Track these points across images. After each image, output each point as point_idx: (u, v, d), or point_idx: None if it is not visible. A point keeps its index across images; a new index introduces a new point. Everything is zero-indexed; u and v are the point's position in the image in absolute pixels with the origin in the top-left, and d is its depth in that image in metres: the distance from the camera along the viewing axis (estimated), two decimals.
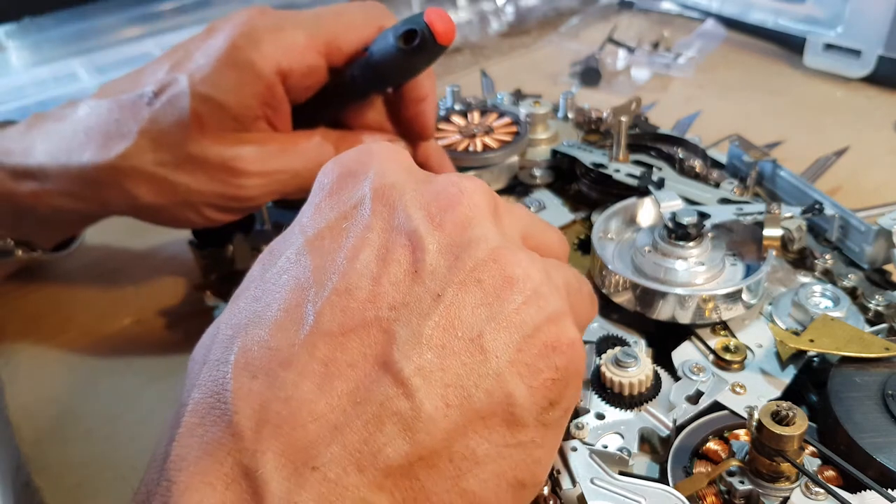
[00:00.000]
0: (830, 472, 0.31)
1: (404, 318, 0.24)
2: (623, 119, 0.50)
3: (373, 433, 0.23)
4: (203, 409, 0.23)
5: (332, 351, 0.24)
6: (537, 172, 0.53)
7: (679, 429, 0.34)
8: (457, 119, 0.56)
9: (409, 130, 0.47)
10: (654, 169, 0.49)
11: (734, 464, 0.31)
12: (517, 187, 0.53)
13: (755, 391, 0.35)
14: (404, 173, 0.28)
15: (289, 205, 0.53)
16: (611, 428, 0.34)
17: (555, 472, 0.32)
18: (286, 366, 0.23)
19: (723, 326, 0.39)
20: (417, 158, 0.47)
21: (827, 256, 0.43)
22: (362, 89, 0.45)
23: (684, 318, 0.38)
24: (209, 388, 0.24)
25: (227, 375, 0.24)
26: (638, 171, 0.49)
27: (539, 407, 0.25)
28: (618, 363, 0.36)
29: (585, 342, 0.38)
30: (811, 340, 0.36)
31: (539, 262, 0.27)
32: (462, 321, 0.25)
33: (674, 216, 0.40)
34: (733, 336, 0.39)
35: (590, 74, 0.79)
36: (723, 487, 0.31)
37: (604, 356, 0.36)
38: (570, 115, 0.60)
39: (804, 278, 0.43)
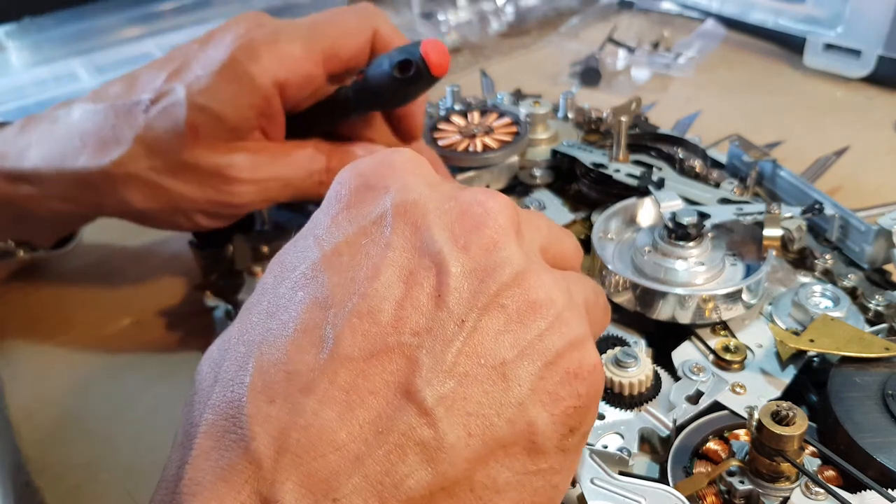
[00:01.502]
0: (830, 472, 0.31)
1: (427, 344, 0.24)
2: (623, 119, 0.49)
3: (395, 463, 0.22)
4: (217, 431, 0.23)
5: (353, 377, 0.23)
6: (537, 172, 0.53)
7: (679, 429, 0.34)
8: (457, 119, 0.55)
9: (397, 132, 0.47)
10: (654, 169, 0.49)
11: (734, 464, 0.31)
12: (517, 187, 0.53)
13: (755, 391, 0.35)
14: (427, 189, 0.27)
15: (289, 205, 0.53)
16: (611, 428, 0.34)
17: None
18: (306, 392, 0.23)
19: (723, 326, 0.39)
20: None
21: (827, 256, 0.43)
22: (356, 109, 0.45)
23: (684, 318, 0.38)
24: (223, 410, 0.23)
25: (242, 398, 0.23)
26: (638, 171, 0.49)
27: (559, 434, 0.25)
28: (618, 363, 0.36)
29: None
30: (811, 340, 0.36)
31: (561, 281, 0.27)
32: (485, 348, 0.24)
33: (674, 216, 0.40)
34: (733, 336, 0.39)
35: (590, 74, 0.79)
36: (723, 487, 0.31)
37: (604, 356, 0.36)
38: (570, 115, 0.60)
39: (804, 278, 0.43)
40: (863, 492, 0.29)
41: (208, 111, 0.41)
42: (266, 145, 0.44)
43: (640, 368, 0.35)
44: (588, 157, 0.51)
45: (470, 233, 0.26)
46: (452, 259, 0.25)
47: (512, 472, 0.24)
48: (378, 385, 0.23)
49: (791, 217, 0.44)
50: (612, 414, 0.35)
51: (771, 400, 0.34)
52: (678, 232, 0.40)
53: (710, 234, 0.41)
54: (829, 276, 0.43)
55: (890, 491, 0.29)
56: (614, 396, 0.35)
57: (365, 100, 0.43)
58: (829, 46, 0.75)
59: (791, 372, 0.36)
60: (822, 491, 0.29)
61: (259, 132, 0.43)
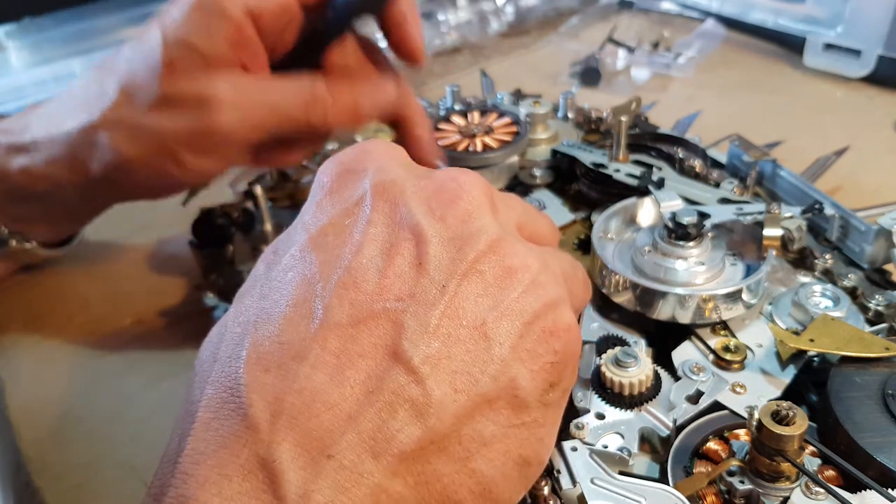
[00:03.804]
0: (830, 472, 0.31)
1: (411, 309, 0.25)
2: (623, 119, 0.49)
3: (386, 420, 0.23)
4: (217, 403, 0.24)
5: (342, 342, 0.24)
6: (537, 172, 0.53)
7: (679, 429, 0.34)
8: (457, 119, 0.55)
9: (400, 56, 0.47)
10: (654, 169, 0.49)
11: (734, 464, 0.31)
12: (517, 187, 0.53)
13: (755, 391, 0.35)
14: (403, 170, 0.29)
15: (290, 205, 0.53)
16: (611, 428, 0.34)
17: (555, 472, 0.32)
18: (299, 359, 0.24)
19: (723, 326, 0.39)
20: (407, 116, 0.47)
21: (827, 256, 0.43)
22: (339, 24, 0.44)
23: (684, 318, 0.38)
24: (222, 384, 0.24)
25: (239, 370, 0.24)
26: (638, 171, 0.49)
27: (540, 389, 0.26)
28: (618, 363, 0.35)
29: (585, 342, 0.39)
30: (811, 340, 0.36)
31: (536, 251, 0.28)
32: (466, 311, 0.25)
33: (674, 216, 0.40)
34: (733, 336, 0.39)
35: (590, 74, 0.79)
36: (723, 487, 0.31)
37: (604, 356, 0.36)
38: (570, 115, 0.60)
39: (804, 278, 0.43)
40: (863, 492, 0.29)
41: (182, 43, 0.41)
42: (248, 74, 0.44)
43: (640, 368, 0.35)
44: (588, 157, 0.51)
45: (446, 205, 0.27)
46: (430, 229, 0.26)
47: (497, 426, 0.25)
48: (367, 348, 0.24)
49: (791, 217, 0.44)
50: (612, 414, 0.35)
51: (771, 400, 0.34)
52: (678, 232, 0.40)
53: (710, 234, 0.41)
54: (829, 275, 0.43)
55: (890, 491, 0.29)
56: (614, 396, 0.35)
57: (344, 8, 0.43)
58: (829, 46, 0.75)
59: (791, 372, 0.36)
60: (822, 491, 0.29)
61: (239, 68, 0.43)
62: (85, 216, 0.52)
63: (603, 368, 0.35)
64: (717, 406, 0.35)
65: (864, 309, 0.40)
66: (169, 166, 0.44)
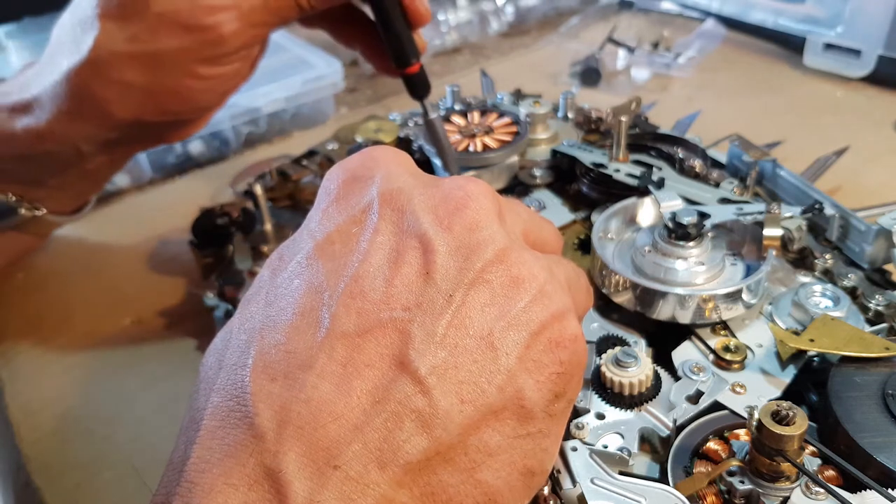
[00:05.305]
0: (830, 472, 0.31)
1: (418, 318, 0.25)
2: (623, 119, 0.49)
3: (392, 431, 0.23)
4: (223, 412, 0.24)
5: (349, 352, 0.24)
6: (537, 172, 0.53)
7: (679, 429, 0.34)
8: (457, 119, 0.55)
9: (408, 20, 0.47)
10: (654, 169, 0.49)
11: (734, 463, 0.31)
12: (517, 187, 0.53)
13: (755, 391, 0.35)
14: (410, 177, 0.29)
15: (290, 206, 0.53)
16: (611, 428, 0.34)
17: (555, 472, 0.32)
18: (305, 368, 0.24)
19: (723, 326, 0.39)
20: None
21: (827, 256, 0.43)
22: None
23: (684, 317, 0.38)
24: (228, 392, 0.24)
25: (245, 379, 0.24)
26: (638, 171, 0.49)
27: (546, 400, 0.26)
28: (618, 363, 0.36)
29: (586, 342, 0.39)
30: (811, 340, 0.36)
31: (543, 260, 0.28)
32: (473, 320, 0.25)
33: (674, 216, 0.40)
34: (733, 336, 0.39)
35: (590, 74, 0.79)
36: (723, 487, 0.31)
37: (604, 356, 0.36)
38: (570, 115, 0.60)
39: (804, 278, 0.43)
40: (863, 491, 0.29)
41: None
42: None
43: (640, 368, 0.35)
44: (588, 157, 0.51)
45: (453, 214, 0.27)
46: (438, 239, 0.26)
47: (503, 437, 0.25)
48: (373, 358, 0.24)
49: (791, 217, 0.44)
50: (612, 414, 0.35)
51: (771, 400, 0.34)
52: (678, 232, 0.40)
53: (710, 234, 0.41)
54: (829, 275, 0.43)
55: (890, 491, 0.29)
56: (614, 396, 0.35)
57: None
58: (829, 46, 0.75)
59: (791, 372, 0.36)
60: (822, 491, 0.29)
61: None
62: (103, 173, 0.50)
63: (603, 368, 0.35)
64: (717, 406, 0.35)
65: (864, 309, 0.40)
66: (186, 82, 0.43)
